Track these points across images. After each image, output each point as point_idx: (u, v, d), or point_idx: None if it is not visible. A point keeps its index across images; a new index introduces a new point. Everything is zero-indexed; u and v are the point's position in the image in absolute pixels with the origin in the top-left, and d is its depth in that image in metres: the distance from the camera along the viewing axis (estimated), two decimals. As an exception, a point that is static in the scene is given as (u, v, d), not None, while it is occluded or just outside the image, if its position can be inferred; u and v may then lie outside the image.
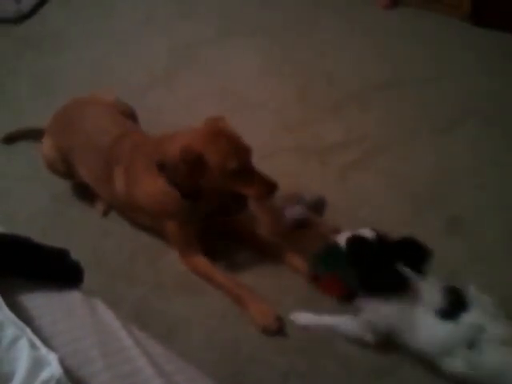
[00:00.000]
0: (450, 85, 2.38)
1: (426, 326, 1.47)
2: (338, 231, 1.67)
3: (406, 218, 1.93)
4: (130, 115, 2.05)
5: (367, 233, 1.56)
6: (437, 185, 2.02)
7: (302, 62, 2.60)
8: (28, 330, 0.85)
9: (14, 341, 0.82)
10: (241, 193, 1.68)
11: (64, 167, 2.01)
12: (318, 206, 1.96)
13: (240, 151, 1.63)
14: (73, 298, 1.00)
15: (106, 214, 2.08)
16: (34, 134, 2.26)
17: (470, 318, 1.43)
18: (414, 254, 1.53)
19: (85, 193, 2.11)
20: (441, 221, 1.91)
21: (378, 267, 1.49)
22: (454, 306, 1.45)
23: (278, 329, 1.67)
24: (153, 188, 1.75)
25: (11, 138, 2.36)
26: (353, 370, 1.58)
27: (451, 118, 2.24)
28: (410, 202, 1.98)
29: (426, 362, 1.52)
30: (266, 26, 2.81)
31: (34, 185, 2.23)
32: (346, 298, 1.64)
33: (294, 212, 1.89)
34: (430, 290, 1.49)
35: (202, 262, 1.83)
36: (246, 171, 1.65)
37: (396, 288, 1.49)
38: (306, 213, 1.90)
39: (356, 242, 1.54)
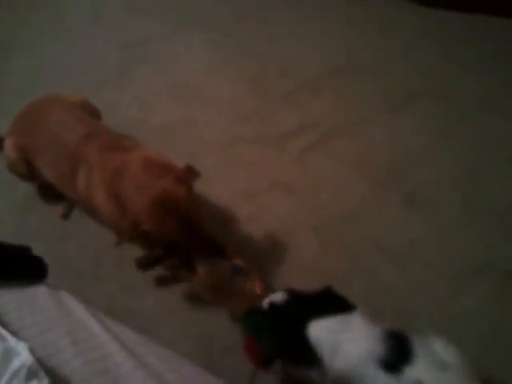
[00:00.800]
0: (399, 65, 2.46)
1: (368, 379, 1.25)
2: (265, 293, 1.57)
3: (365, 197, 2.00)
4: (96, 115, 2.07)
5: (278, 297, 1.42)
6: (392, 162, 2.09)
7: (254, 54, 2.64)
8: (-6, 324, 0.87)
9: (-18, 334, 0.84)
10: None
11: (25, 168, 2.00)
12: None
13: (182, 224, 1.58)
14: (38, 292, 1.02)
15: (65, 216, 2.08)
16: None
17: (414, 374, 1.19)
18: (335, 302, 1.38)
19: (45, 196, 2.12)
20: (398, 196, 1.98)
21: (288, 337, 1.35)
22: (396, 356, 1.23)
23: None
24: (104, 205, 1.74)
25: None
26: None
27: (402, 97, 2.32)
28: (368, 181, 2.04)
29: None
30: (217, 19, 2.85)
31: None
32: (262, 365, 1.42)
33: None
34: (368, 338, 1.28)
35: None
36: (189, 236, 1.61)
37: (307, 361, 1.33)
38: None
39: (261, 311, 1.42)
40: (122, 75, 2.62)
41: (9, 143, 2.00)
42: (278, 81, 2.49)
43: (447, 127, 2.19)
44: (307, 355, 1.29)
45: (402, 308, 1.69)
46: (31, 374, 0.77)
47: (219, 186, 2.07)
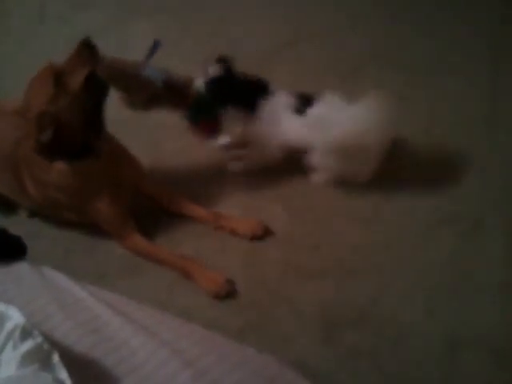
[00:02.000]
0: (348, 34, 2.55)
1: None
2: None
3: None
4: None
5: (215, 70, 1.88)
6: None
7: (204, 35, 2.70)
8: (-18, 294, 0.90)
9: (-29, 304, 0.87)
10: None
11: None
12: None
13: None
14: (19, 268, 1.06)
15: (32, 215, 2.08)
16: None
17: (315, 111, 1.84)
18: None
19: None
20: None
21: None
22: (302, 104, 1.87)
23: (230, 291, 1.75)
24: (50, 177, 1.79)
25: None
26: (301, 313, 1.70)
27: (352, 67, 2.43)
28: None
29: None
30: (164, 6, 2.88)
31: None
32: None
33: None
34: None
35: (140, 240, 1.88)
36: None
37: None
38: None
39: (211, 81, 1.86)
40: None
41: None
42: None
43: (399, 88, 2.29)
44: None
45: (371, 266, 1.79)
46: (25, 334, 0.81)
47: (176, 166, 2.15)
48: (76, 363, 0.84)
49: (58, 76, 1.67)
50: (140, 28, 2.78)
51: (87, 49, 1.72)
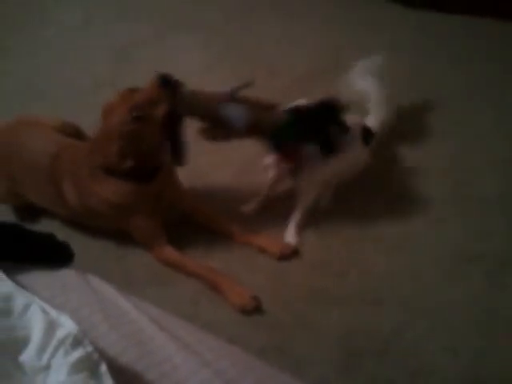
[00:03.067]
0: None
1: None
2: (274, 106, 1.87)
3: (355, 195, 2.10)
4: (78, 135, 2.11)
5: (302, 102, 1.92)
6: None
7: (243, 54, 2.74)
8: (36, 298, 0.92)
9: (26, 308, 0.89)
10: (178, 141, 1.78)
11: (10, 197, 2.07)
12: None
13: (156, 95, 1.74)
14: (67, 274, 1.08)
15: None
16: None
17: None
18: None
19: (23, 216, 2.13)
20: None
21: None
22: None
23: (256, 307, 1.77)
24: (105, 191, 1.83)
25: None
26: (323, 337, 1.70)
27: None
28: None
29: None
30: (205, 21, 2.93)
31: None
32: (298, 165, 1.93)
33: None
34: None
35: (171, 252, 1.91)
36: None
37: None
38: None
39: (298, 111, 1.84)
40: (115, 79, 2.69)
41: None
42: (267, 80, 2.58)
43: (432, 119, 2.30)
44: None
45: (396, 297, 1.78)
46: (77, 343, 0.83)
47: (212, 181, 2.18)
48: (120, 374, 0.85)
49: (136, 106, 1.71)
50: (182, 41, 2.82)
51: (166, 85, 1.75)
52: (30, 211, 2.10)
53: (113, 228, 1.99)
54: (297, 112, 1.84)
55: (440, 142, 2.25)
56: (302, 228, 2.00)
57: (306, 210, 2.01)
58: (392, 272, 1.85)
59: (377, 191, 2.10)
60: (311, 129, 1.83)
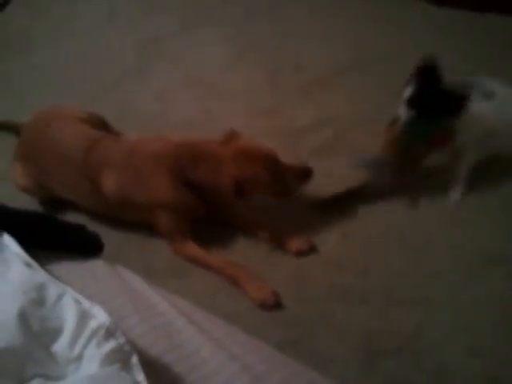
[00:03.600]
0: (409, 63, 2.52)
1: None
2: None
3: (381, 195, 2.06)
4: (102, 125, 2.13)
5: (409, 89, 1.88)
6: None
7: (268, 50, 2.74)
8: (69, 288, 0.93)
9: (59, 298, 0.91)
10: (286, 192, 1.91)
11: (39, 190, 2.08)
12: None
13: (269, 160, 1.83)
14: (97, 265, 1.09)
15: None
16: (12, 127, 2.29)
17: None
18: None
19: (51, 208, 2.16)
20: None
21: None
22: None
23: (276, 302, 1.77)
24: (163, 186, 1.86)
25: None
26: (342, 335, 1.70)
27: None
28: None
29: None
30: (229, 16, 2.93)
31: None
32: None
33: None
34: None
35: (193, 248, 1.92)
36: (281, 172, 1.85)
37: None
38: None
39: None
40: (140, 72, 2.71)
41: (16, 169, 2.08)
42: (292, 76, 2.59)
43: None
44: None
45: (416, 297, 1.77)
46: (109, 334, 0.83)
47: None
48: (149, 366, 0.85)
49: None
50: (207, 36, 2.83)
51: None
52: (56, 205, 2.12)
53: (138, 220, 2.00)
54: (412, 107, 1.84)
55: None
56: (464, 187, 2.05)
57: (468, 169, 2.04)
58: (415, 271, 1.84)
59: (399, 192, 2.08)
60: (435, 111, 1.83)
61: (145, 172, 1.88)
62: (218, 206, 1.99)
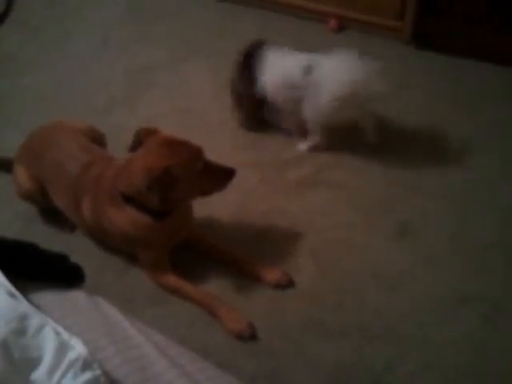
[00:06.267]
0: (394, 104, 2.62)
1: None
2: None
3: (359, 225, 2.16)
4: (101, 142, 2.17)
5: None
6: (386, 193, 2.26)
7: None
8: (50, 320, 0.97)
9: (40, 329, 0.95)
10: (209, 190, 1.86)
11: (40, 196, 2.10)
12: None
13: (196, 152, 1.79)
14: (77, 295, 1.13)
15: (72, 229, 2.17)
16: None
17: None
18: None
19: (47, 211, 2.21)
20: (390, 226, 2.15)
21: None
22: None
23: (251, 334, 1.82)
24: (120, 218, 1.86)
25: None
26: (316, 369, 1.75)
27: (395, 134, 2.49)
28: (362, 210, 2.21)
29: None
30: (219, 47, 3.00)
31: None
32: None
33: None
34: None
35: (171, 278, 1.95)
36: (207, 168, 1.81)
37: None
38: None
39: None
40: (130, 99, 2.78)
41: (20, 172, 2.09)
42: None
43: (438, 164, 2.35)
44: None
45: (392, 334, 1.83)
46: (86, 365, 0.87)
47: (216, 208, 2.21)
48: (123, 398, 0.89)
49: (178, 164, 1.74)
50: (197, 68, 2.90)
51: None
52: (54, 214, 2.16)
53: (118, 248, 2.05)
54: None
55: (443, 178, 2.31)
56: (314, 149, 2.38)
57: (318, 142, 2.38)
58: (388, 308, 1.89)
59: (379, 225, 2.15)
60: None
61: (104, 201, 1.88)
62: (185, 228, 2.00)
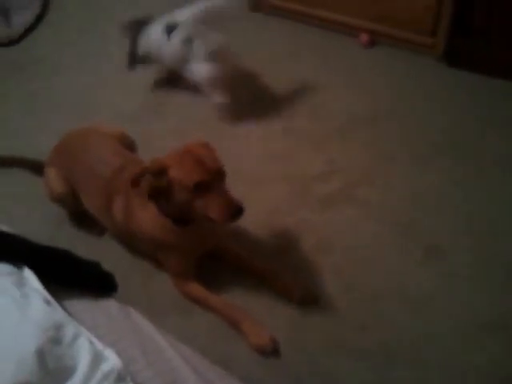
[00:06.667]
0: (423, 119, 2.61)
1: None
2: None
3: (386, 245, 2.14)
4: (132, 147, 2.19)
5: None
6: (414, 214, 2.23)
7: (286, 96, 2.81)
8: (84, 329, 0.97)
9: (75, 338, 0.95)
10: (203, 213, 1.75)
11: (71, 199, 2.11)
12: None
13: (204, 170, 1.70)
14: (109, 304, 1.13)
15: (101, 233, 2.19)
16: (30, 165, 2.36)
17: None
18: None
19: (77, 223, 2.24)
20: (418, 247, 2.12)
21: None
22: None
23: (273, 349, 1.80)
24: (146, 219, 1.88)
25: (3, 163, 2.42)
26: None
27: (426, 151, 2.48)
28: (389, 230, 2.17)
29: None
30: (250, 59, 3.01)
31: (26, 206, 2.34)
32: None
33: None
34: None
35: (196, 288, 1.95)
36: (208, 190, 1.71)
37: None
38: None
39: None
40: (160, 106, 2.81)
41: (52, 175, 2.12)
42: (309, 124, 2.65)
43: (469, 183, 2.33)
44: None
45: (416, 357, 1.80)
46: (120, 379, 0.88)
47: (243, 218, 2.17)
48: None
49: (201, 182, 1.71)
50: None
51: None
52: (84, 218, 2.19)
53: (145, 252, 2.05)
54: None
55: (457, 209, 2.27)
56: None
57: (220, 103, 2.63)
58: (413, 330, 1.87)
59: (406, 245, 2.12)
60: None
61: (133, 202, 1.89)
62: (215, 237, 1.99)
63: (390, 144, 2.53)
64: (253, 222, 2.20)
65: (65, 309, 1.05)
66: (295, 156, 2.50)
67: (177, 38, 2.58)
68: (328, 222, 2.22)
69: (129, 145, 2.18)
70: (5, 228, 1.35)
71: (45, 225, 2.25)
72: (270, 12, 3.31)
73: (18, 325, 0.94)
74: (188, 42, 2.55)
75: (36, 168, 2.30)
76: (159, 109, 2.78)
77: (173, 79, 2.85)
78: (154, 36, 2.69)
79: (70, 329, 0.96)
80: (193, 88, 2.69)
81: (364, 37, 3.03)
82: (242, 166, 2.44)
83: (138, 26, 2.75)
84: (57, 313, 1.00)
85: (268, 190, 2.35)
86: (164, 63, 2.75)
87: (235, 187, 2.28)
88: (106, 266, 2.02)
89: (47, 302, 1.02)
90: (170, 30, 2.61)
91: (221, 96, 2.62)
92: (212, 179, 1.71)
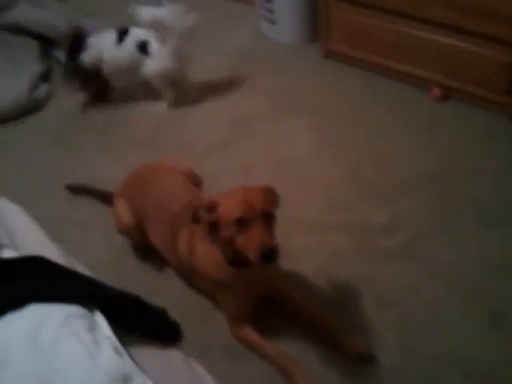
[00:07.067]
0: (496, 180, 2.53)
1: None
2: None
3: (450, 309, 2.06)
4: (199, 185, 2.24)
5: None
6: (481, 277, 2.15)
7: (353, 145, 2.82)
8: (150, 382, 0.98)
9: (141, 391, 0.96)
10: (242, 251, 1.73)
11: (138, 231, 2.17)
12: None
13: (248, 207, 1.69)
14: (173, 355, 1.14)
15: (161, 268, 2.23)
16: (99, 195, 2.48)
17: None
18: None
19: (140, 255, 2.30)
20: (484, 312, 2.03)
21: None
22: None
23: None
24: (206, 255, 1.90)
25: (75, 190, 2.55)
26: None
27: (497, 213, 2.39)
28: (454, 293, 2.10)
29: None
30: (320, 106, 3.05)
31: (92, 234, 2.42)
32: None
33: None
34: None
35: (250, 333, 1.94)
36: (250, 229, 1.69)
37: None
38: None
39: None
40: (230, 146, 2.87)
41: (122, 207, 2.18)
42: (374, 175, 2.64)
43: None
44: None
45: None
46: None
47: (301, 265, 2.21)
48: None
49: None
50: (297, 121, 2.99)
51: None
52: (147, 251, 2.25)
53: (205, 290, 2.08)
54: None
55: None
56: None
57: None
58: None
59: (470, 309, 2.05)
60: None
61: (196, 237, 1.92)
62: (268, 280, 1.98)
63: (457, 201, 2.46)
64: (311, 269, 2.20)
65: (131, 356, 1.06)
66: (357, 206, 2.48)
67: (130, 41, 2.88)
68: (389, 277, 2.17)
69: (196, 182, 2.23)
70: (78, 267, 1.39)
71: (109, 253, 2.32)
72: (341, 60, 3.34)
73: (88, 372, 0.95)
74: (142, 44, 2.84)
75: (105, 197, 2.39)
76: (226, 149, 2.85)
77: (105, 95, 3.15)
78: (106, 42, 2.92)
79: (138, 381, 0.97)
80: (147, 93, 3.07)
81: (436, 91, 3.00)
82: (305, 212, 2.44)
83: (77, 38, 2.96)
84: (126, 364, 1.01)
85: (329, 239, 2.33)
86: (117, 69, 2.99)
87: (295, 233, 2.32)
88: (164, 301, 2.09)
89: (117, 352, 1.04)
90: (122, 34, 2.89)
91: (170, 92, 2.98)
92: (254, 217, 1.70)
